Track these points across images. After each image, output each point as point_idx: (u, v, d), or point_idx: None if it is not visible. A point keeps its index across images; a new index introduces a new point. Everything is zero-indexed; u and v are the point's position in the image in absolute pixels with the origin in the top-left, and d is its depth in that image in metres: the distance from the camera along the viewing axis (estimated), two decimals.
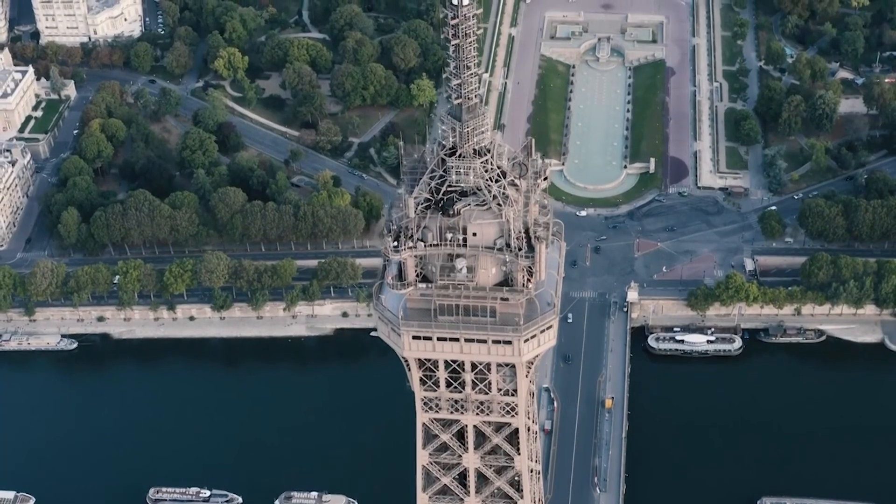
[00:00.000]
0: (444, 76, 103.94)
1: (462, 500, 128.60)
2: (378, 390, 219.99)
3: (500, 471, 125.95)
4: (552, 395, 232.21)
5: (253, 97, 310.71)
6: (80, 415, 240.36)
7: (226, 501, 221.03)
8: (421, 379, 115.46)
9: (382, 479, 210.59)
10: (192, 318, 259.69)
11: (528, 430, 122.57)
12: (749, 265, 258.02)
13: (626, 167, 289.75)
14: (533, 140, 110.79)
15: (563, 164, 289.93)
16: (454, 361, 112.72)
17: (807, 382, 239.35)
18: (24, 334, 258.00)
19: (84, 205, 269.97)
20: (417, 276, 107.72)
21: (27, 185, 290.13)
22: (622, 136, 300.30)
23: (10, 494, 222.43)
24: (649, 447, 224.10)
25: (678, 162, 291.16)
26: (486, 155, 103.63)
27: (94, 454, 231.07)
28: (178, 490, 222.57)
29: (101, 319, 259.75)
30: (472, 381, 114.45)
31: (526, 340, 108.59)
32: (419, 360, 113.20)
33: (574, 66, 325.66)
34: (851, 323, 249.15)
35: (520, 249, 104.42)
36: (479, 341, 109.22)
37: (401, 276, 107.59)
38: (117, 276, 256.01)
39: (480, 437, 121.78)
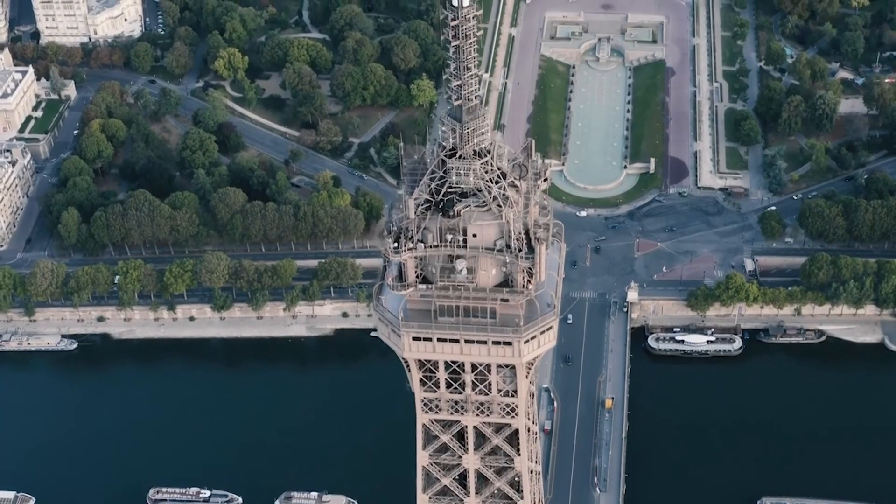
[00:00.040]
0: (444, 77, 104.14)
1: (462, 500, 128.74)
2: (378, 390, 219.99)
3: (500, 471, 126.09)
4: (552, 395, 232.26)
5: (253, 97, 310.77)
6: (80, 415, 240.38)
7: (226, 502, 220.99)
8: (421, 380, 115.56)
9: (382, 479, 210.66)
10: (192, 319, 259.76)
11: (528, 430, 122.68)
12: (749, 265, 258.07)
13: (626, 167, 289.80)
14: (533, 141, 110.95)
15: (563, 164, 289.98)
16: (454, 362, 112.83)
17: (807, 383, 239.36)
18: (25, 334, 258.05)
19: (84, 205, 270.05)
20: (417, 277, 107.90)
21: (27, 186, 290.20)
22: (622, 137, 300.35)
23: (10, 494, 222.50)
24: (649, 447, 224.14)
25: (678, 162, 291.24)
26: (486, 156, 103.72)
27: (95, 454, 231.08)
28: (178, 490, 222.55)
29: (101, 320, 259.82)
30: (472, 382, 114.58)
31: (526, 341, 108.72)
32: (419, 361, 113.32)
33: (574, 67, 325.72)
34: (851, 323, 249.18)
35: (520, 251, 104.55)
36: (479, 342, 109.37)
37: (401, 277, 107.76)
38: (117, 277, 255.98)
39: (480, 438, 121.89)
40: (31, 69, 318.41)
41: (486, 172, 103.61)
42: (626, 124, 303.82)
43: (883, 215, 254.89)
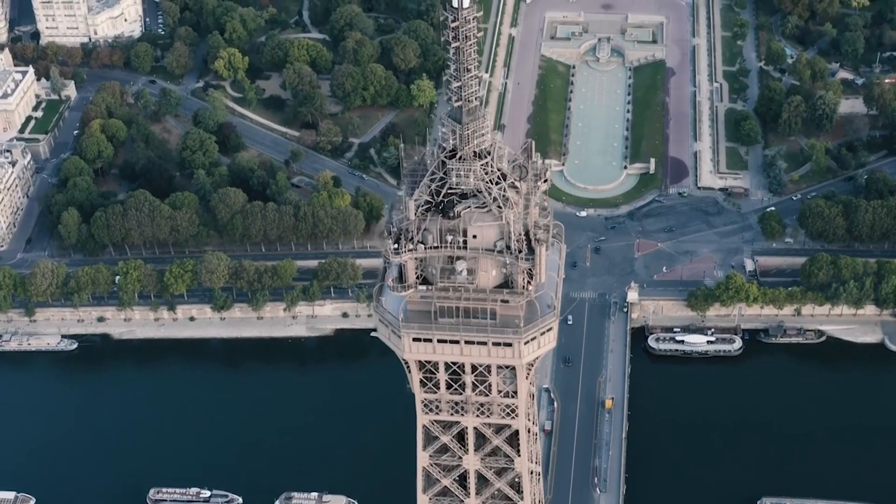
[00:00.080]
0: (444, 79, 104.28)
1: (462, 501, 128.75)
2: (378, 391, 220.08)
3: (500, 472, 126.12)
4: (552, 395, 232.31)
5: (253, 97, 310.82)
6: (80, 415, 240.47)
7: (226, 502, 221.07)
8: (421, 381, 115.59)
9: (383, 479, 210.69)
10: (192, 319, 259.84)
11: (529, 431, 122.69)
12: (749, 265, 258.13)
13: (626, 167, 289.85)
14: (533, 142, 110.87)
15: (563, 164, 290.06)
16: (454, 363, 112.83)
17: (807, 383, 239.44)
18: (25, 335, 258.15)
19: (84, 205, 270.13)
20: (418, 278, 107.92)
21: (27, 186, 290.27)
22: (622, 137, 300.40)
23: (10, 495, 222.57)
24: (649, 447, 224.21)
25: (678, 162, 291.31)
26: (486, 157, 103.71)
27: (95, 454, 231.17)
28: (178, 490, 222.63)
29: (101, 320, 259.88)
30: (473, 383, 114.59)
31: (526, 342, 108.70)
32: (419, 361, 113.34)
33: (574, 67, 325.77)
34: (851, 323, 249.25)
35: (520, 252, 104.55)
36: (479, 343, 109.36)
37: (401, 278, 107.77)
38: (118, 277, 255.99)
39: (481, 439, 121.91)
40: (31, 69, 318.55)
41: (487, 174, 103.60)
42: (626, 124, 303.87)
43: (883, 215, 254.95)
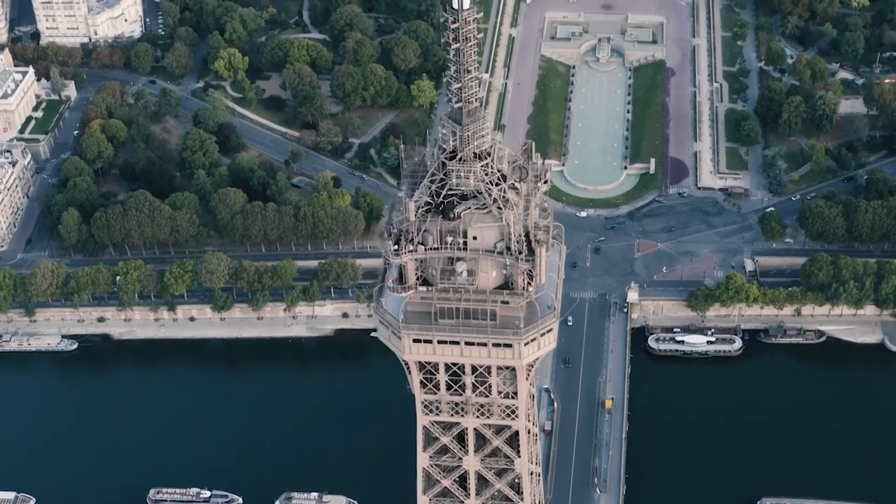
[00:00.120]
0: (444, 80, 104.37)
1: (462, 502, 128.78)
2: (378, 391, 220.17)
3: (500, 473, 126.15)
4: (552, 395, 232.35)
5: (253, 98, 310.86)
6: (80, 415, 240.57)
7: (226, 502, 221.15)
8: (421, 382, 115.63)
9: (383, 479, 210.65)
10: (192, 319, 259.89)
11: (529, 432, 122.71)
12: (749, 266, 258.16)
13: (626, 168, 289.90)
14: (533, 143, 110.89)
15: (563, 164, 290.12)
16: (454, 364, 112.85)
17: (807, 383, 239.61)
18: (25, 335, 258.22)
19: (84, 205, 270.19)
20: (418, 279, 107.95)
21: (27, 186, 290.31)
22: (622, 137, 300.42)
23: (10, 495, 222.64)
24: (649, 448, 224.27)
25: (678, 162, 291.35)
26: (486, 158, 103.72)
27: (95, 455, 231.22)
28: (178, 491, 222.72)
29: (101, 320, 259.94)
30: (473, 384, 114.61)
31: (526, 343, 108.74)
32: (420, 363, 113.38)
33: (574, 67, 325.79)
34: (851, 323, 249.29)
35: (520, 253, 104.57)
36: (479, 344, 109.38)
37: (401, 279, 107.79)
38: (118, 277, 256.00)
39: (481, 440, 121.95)
40: (31, 70, 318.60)
41: (487, 175, 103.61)
42: (626, 125, 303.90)
43: (883, 216, 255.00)
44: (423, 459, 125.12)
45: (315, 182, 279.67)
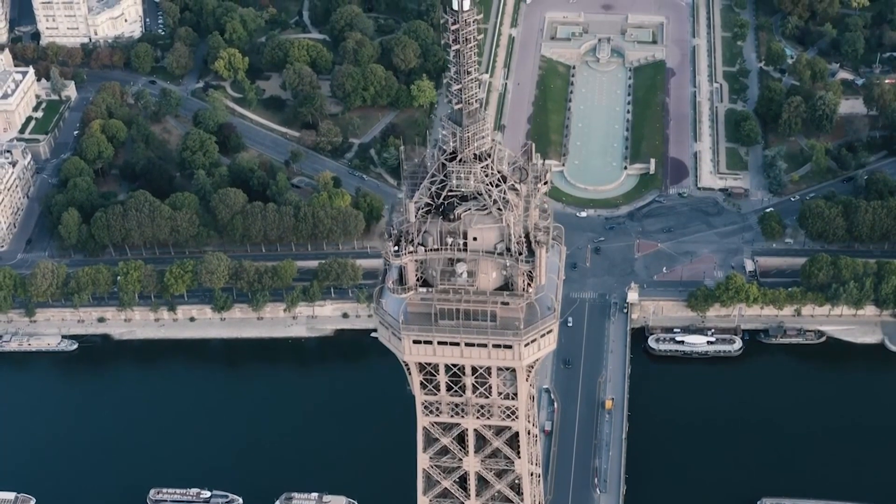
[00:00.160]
0: (444, 81, 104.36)
1: (462, 503, 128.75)
2: (378, 391, 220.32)
3: (500, 474, 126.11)
4: (552, 396, 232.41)
5: (253, 98, 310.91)
6: (80, 416, 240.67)
7: (226, 502, 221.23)
8: (421, 383, 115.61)
9: (383, 479, 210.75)
10: (192, 319, 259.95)
11: (529, 433, 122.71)
12: (749, 266, 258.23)
13: (626, 168, 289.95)
14: (533, 144, 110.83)
15: (563, 164, 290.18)
16: (454, 365, 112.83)
17: (807, 383, 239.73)
18: (25, 335, 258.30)
19: (84, 206, 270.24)
20: (418, 280, 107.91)
21: (28, 186, 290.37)
22: (622, 137, 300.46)
23: (10, 495, 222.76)
24: (649, 448, 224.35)
25: (678, 163, 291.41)
26: (486, 160, 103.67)
27: (95, 455, 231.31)
28: (178, 491, 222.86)
29: (101, 320, 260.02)
30: (473, 385, 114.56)
31: (526, 344, 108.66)
32: (420, 363, 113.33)
33: (574, 67, 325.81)
34: (851, 324, 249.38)
35: (520, 254, 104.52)
36: (479, 345, 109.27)
37: (401, 280, 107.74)
38: (119, 277, 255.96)
39: (481, 441, 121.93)
40: (31, 70, 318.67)
41: (487, 176, 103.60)
42: (626, 125, 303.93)
43: (883, 216, 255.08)
44: (423, 460, 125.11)
45: (315, 182, 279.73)
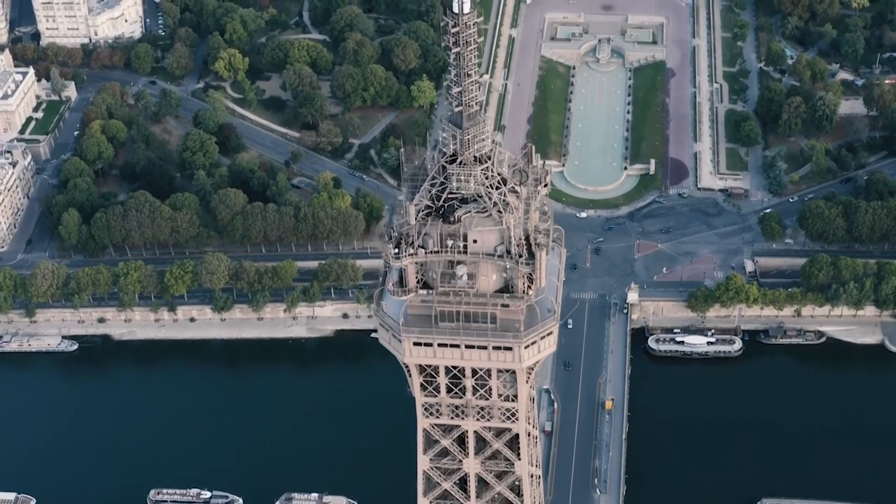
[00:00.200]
0: (444, 83, 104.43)
1: None
2: (378, 391, 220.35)
3: (500, 476, 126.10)
4: (552, 396, 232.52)
5: (253, 98, 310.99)
6: (80, 416, 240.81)
7: (226, 503, 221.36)
8: (421, 384, 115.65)
9: (383, 480, 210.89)
10: (192, 320, 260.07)
11: (529, 435, 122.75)
12: (749, 266, 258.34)
13: (626, 168, 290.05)
14: (533, 147, 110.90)
15: (563, 165, 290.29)
16: (455, 367, 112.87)
17: (807, 384, 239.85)
18: (25, 336, 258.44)
19: (85, 206, 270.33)
20: (418, 282, 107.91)
21: (28, 187, 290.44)
22: (622, 138, 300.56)
23: (10, 496, 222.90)
24: (649, 448, 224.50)
25: (678, 163, 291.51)
26: (486, 162, 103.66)
27: (95, 455, 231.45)
28: (178, 491, 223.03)
29: (101, 321, 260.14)
30: (473, 387, 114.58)
31: (526, 347, 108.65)
32: (420, 366, 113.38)
33: (574, 68, 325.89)
34: (851, 324, 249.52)
35: (520, 256, 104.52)
36: (479, 347, 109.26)
37: (402, 282, 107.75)
38: (119, 278, 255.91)
39: (481, 443, 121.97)
40: (31, 70, 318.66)
41: (487, 178, 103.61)
42: (626, 125, 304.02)
43: (883, 216, 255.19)
44: (423, 462, 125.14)
45: (315, 183, 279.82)
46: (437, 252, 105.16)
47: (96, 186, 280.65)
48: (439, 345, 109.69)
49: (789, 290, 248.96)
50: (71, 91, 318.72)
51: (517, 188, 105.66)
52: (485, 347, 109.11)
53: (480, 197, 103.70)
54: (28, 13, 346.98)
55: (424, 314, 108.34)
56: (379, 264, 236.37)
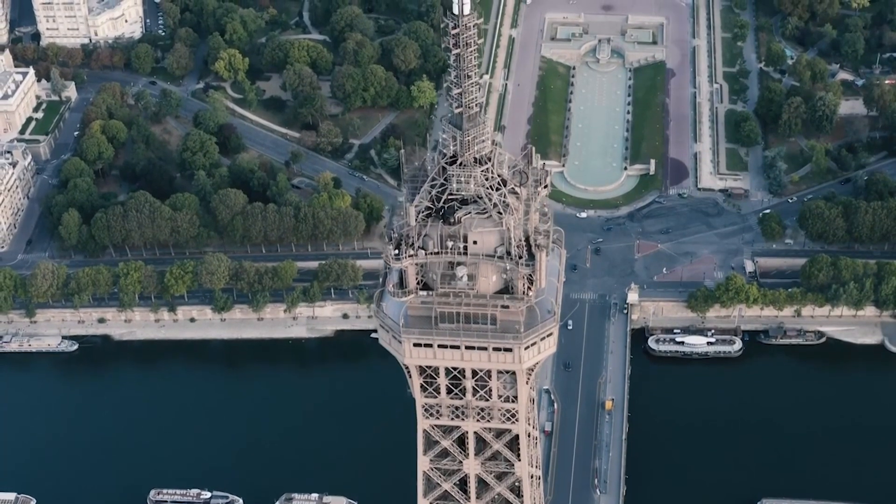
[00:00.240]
0: (444, 85, 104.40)
1: None
2: (378, 392, 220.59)
3: (500, 476, 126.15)
4: (552, 396, 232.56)
5: (253, 99, 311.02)
6: (80, 416, 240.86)
7: (226, 503, 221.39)
8: (422, 385, 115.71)
9: (383, 480, 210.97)
10: (192, 320, 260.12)
11: (529, 436, 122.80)
12: (749, 267, 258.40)
13: (626, 169, 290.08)
14: (533, 148, 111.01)
15: (563, 165, 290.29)
16: (455, 368, 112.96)
17: (807, 384, 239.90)
18: (25, 336, 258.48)
19: (85, 206, 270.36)
20: (418, 283, 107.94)
21: (28, 187, 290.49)
22: (622, 138, 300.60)
23: (11, 496, 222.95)
24: (649, 449, 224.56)
25: (678, 163, 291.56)
26: (486, 163, 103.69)
27: (95, 456, 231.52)
28: (178, 491, 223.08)
29: (101, 321, 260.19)
30: (473, 388, 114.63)
31: (526, 348, 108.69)
32: (420, 367, 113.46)
33: (574, 68, 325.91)
34: (851, 324, 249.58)
35: (520, 257, 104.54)
36: (479, 349, 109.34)
37: (402, 283, 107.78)
38: (120, 278, 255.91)
39: (481, 444, 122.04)
40: (31, 70, 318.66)
41: (487, 179, 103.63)
42: (626, 126, 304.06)
43: (883, 217, 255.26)
44: (423, 463, 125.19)
45: (315, 183, 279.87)
46: (438, 253, 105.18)
47: (96, 187, 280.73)
48: (439, 346, 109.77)
49: (789, 290, 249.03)
50: (71, 91, 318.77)
51: (517, 189, 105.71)
52: (485, 349, 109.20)
53: (480, 198, 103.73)
54: (28, 13, 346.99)
55: (424, 315, 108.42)
56: (379, 265, 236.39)
